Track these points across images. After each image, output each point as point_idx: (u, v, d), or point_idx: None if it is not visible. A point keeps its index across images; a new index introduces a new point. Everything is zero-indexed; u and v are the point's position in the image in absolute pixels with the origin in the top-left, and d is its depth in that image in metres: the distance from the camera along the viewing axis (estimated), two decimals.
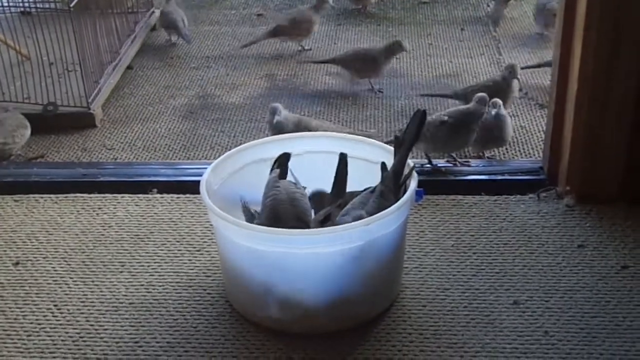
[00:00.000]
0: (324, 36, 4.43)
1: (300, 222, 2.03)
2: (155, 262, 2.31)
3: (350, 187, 2.26)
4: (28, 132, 3.19)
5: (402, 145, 2.14)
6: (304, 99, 3.67)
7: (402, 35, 4.39)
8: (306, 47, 4.25)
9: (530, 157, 3.13)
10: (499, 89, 3.24)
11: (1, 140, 3.08)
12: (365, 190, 2.15)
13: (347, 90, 3.77)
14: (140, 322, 2.08)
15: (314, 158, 2.34)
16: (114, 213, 2.55)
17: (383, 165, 2.15)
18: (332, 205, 2.16)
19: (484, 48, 4.19)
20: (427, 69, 3.98)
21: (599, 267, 2.24)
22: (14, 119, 3.18)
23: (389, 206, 1.98)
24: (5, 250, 2.38)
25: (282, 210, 2.06)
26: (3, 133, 3.10)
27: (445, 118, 2.74)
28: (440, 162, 2.78)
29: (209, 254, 2.33)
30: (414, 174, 2.11)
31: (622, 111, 2.39)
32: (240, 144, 2.42)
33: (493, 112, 2.96)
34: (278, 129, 2.97)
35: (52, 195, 2.65)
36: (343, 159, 2.25)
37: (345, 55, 3.84)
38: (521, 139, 3.26)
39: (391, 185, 2.08)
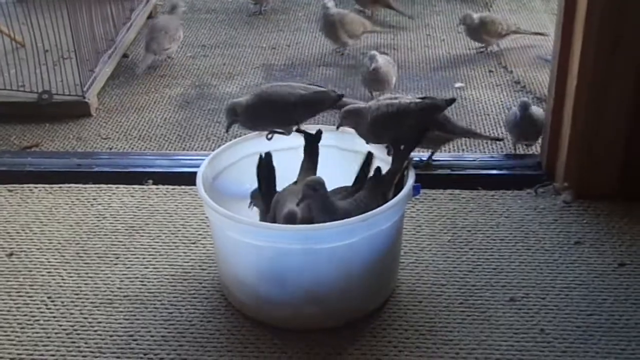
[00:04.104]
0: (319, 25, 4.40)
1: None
2: (150, 255, 2.30)
3: (339, 179, 2.25)
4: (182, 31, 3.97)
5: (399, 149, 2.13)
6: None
7: (400, 26, 4.37)
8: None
9: (528, 152, 3.12)
10: None
11: (167, 46, 3.81)
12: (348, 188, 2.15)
13: (344, 82, 3.75)
14: (134, 316, 2.07)
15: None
16: (109, 204, 2.54)
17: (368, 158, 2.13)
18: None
19: None
20: (425, 60, 3.97)
21: (596, 264, 2.23)
22: (174, 21, 3.92)
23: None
24: None
25: (287, 195, 2.05)
26: (168, 39, 3.81)
27: None
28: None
29: (205, 247, 2.32)
30: (412, 168, 2.10)
31: (621, 108, 2.38)
32: (237, 135, 2.40)
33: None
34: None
35: (46, 185, 2.63)
36: (369, 158, 2.22)
37: None
38: None
39: (383, 189, 2.07)
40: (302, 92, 2.25)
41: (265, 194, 2.17)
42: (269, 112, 2.22)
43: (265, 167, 2.19)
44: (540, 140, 2.80)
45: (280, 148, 2.27)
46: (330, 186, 2.22)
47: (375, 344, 1.97)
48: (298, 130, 2.25)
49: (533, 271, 2.20)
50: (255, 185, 2.21)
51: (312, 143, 2.24)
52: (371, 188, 2.07)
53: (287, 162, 2.23)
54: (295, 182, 2.14)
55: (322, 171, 2.23)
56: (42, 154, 3.02)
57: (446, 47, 4.10)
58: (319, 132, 2.25)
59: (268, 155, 2.20)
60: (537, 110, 2.89)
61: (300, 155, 2.25)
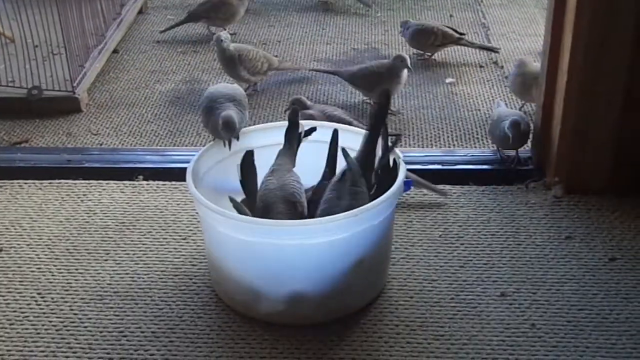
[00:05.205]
0: (312, 21, 4.40)
1: (288, 203, 2.02)
2: (140, 251, 2.29)
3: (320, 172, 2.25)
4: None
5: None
6: (291, 84, 3.64)
7: (391, 21, 4.36)
8: (230, 32, 4.19)
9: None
10: (387, 76, 3.29)
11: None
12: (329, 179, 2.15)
13: (335, 77, 3.74)
14: (125, 312, 2.07)
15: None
16: (99, 200, 2.53)
17: (344, 151, 2.12)
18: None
19: (473, 35, 4.17)
20: (416, 56, 3.96)
21: (587, 259, 2.23)
22: None
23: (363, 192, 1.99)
24: None
25: (271, 196, 2.04)
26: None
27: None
28: None
29: (195, 243, 2.32)
30: (402, 163, 2.09)
31: (612, 103, 2.38)
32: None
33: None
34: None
35: (36, 181, 2.62)
36: (334, 135, 2.22)
37: None
38: None
39: (361, 172, 2.05)
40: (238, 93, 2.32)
41: (248, 195, 2.16)
42: (243, 116, 2.24)
43: (247, 166, 2.18)
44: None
45: (270, 144, 2.26)
46: (315, 181, 2.23)
47: (366, 340, 1.97)
48: (289, 119, 2.24)
49: (524, 266, 2.21)
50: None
51: (293, 128, 2.22)
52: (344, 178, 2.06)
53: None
54: (272, 172, 2.12)
55: (310, 167, 2.23)
56: (31, 150, 3.01)
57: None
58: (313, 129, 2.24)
59: (249, 153, 2.19)
60: (525, 125, 2.72)
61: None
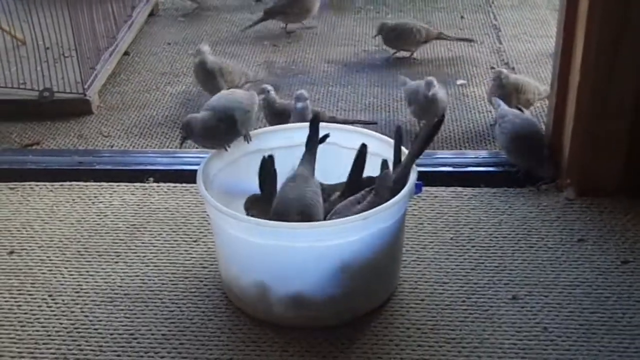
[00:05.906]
0: (323, 23, 4.40)
1: (302, 215, 1.99)
2: (151, 253, 2.29)
3: (339, 178, 2.24)
4: None
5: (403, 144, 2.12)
6: (302, 87, 3.64)
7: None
8: (308, 25, 4.22)
9: None
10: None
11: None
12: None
13: (345, 79, 3.74)
14: (135, 314, 2.06)
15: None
16: (110, 202, 2.53)
17: (384, 163, 2.11)
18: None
19: (484, 36, 4.17)
20: (427, 57, 3.95)
21: (599, 261, 2.22)
22: None
23: None
24: None
25: (286, 204, 2.02)
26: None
27: None
28: None
29: (206, 245, 2.31)
30: (414, 166, 2.08)
31: (624, 104, 2.37)
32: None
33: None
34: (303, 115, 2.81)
35: (47, 183, 2.63)
36: (363, 150, 2.19)
37: None
38: None
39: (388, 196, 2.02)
40: (245, 104, 2.27)
41: (266, 197, 2.15)
42: (224, 128, 2.19)
43: (268, 170, 2.17)
44: None
45: (278, 146, 2.26)
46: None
47: (376, 342, 1.96)
48: (311, 121, 2.23)
49: (536, 269, 2.19)
50: (251, 185, 2.20)
51: (314, 134, 2.21)
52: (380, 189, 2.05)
53: (284, 160, 2.21)
54: (294, 178, 2.11)
55: (322, 168, 2.22)
56: (43, 152, 3.02)
57: (448, 44, 4.08)
58: (326, 135, 2.24)
59: (270, 158, 2.19)
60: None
61: (294, 153, 2.22)
